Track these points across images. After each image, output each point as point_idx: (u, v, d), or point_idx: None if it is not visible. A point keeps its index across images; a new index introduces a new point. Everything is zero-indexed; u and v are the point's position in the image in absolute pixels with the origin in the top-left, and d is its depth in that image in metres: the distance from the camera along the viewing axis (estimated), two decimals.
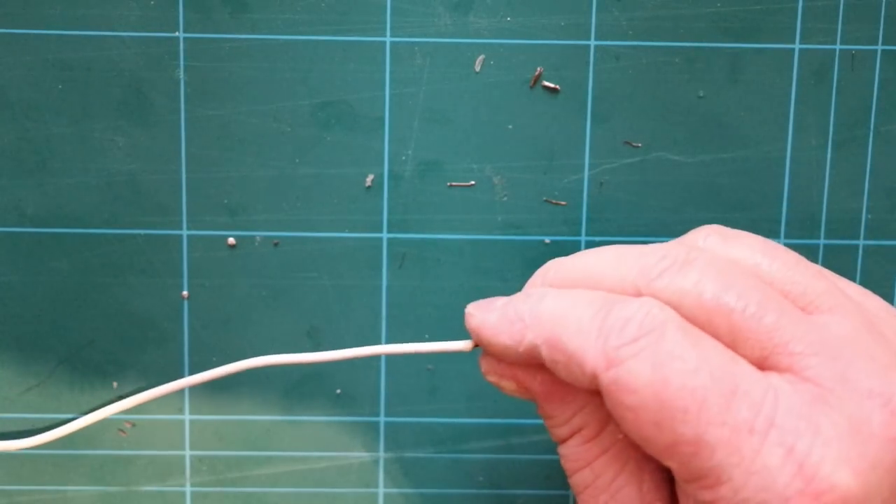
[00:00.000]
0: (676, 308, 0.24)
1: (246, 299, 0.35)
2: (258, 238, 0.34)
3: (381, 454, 0.36)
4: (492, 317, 0.27)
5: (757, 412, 0.23)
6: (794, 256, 0.26)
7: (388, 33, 0.33)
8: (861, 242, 0.35)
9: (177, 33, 0.33)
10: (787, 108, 0.34)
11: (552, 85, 0.34)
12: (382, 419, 0.36)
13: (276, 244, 0.34)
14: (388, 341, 0.35)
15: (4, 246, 0.34)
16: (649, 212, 0.34)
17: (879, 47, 0.34)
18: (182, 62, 0.33)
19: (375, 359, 0.35)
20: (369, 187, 0.34)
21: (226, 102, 0.34)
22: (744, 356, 0.24)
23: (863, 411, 0.23)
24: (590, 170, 0.34)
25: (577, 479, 0.27)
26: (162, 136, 0.34)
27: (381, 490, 0.36)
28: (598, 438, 0.27)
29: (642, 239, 0.34)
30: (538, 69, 0.34)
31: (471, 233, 0.34)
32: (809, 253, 0.35)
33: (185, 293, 0.35)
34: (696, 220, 0.34)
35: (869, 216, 0.35)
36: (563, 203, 0.34)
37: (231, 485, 0.36)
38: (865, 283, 0.35)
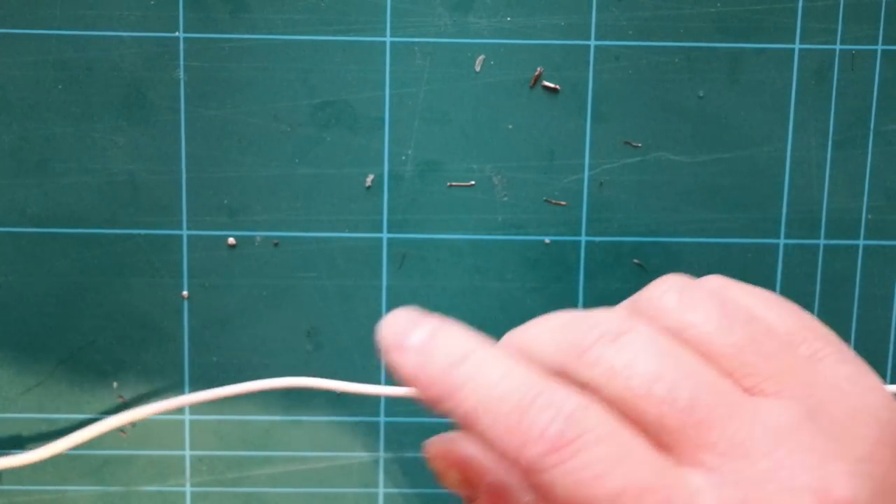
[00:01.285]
0: (603, 388, 0.23)
1: (246, 299, 0.35)
2: (258, 238, 0.34)
3: (381, 454, 0.36)
4: (408, 362, 0.25)
5: None
6: (748, 330, 0.25)
7: (388, 33, 0.33)
8: (861, 242, 0.35)
9: (177, 33, 0.33)
10: (787, 108, 0.34)
11: (552, 85, 0.34)
12: (382, 419, 0.36)
13: (276, 244, 0.34)
14: None
15: (4, 246, 0.34)
16: (649, 212, 0.34)
17: (879, 47, 0.34)
18: (182, 62, 0.33)
19: (376, 357, 0.35)
20: (369, 187, 0.34)
21: (226, 102, 0.34)
22: (668, 448, 0.23)
23: None
24: (590, 170, 0.34)
25: None
26: (162, 136, 0.34)
27: (381, 490, 0.36)
28: None
29: (642, 239, 0.34)
30: (538, 69, 0.34)
31: (471, 233, 0.34)
32: (809, 253, 0.35)
33: (185, 293, 0.35)
34: (696, 220, 0.34)
35: (869, 216, 0.35)
36: (563, 203, 0.34)
37: (231, 485, 0.36)
38: (865, 283, 0.35)
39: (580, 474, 0.22)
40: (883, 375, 0.36)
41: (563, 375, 0.24)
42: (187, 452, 0.36)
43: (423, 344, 0.25)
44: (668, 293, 0.26)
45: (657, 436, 0.23)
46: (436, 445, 0.27)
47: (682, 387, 0.23)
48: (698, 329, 0.25)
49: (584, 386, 0.24)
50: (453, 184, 0.34)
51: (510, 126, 0.34)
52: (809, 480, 0.22)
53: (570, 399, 0.23)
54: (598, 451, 0.23)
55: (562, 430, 0.23)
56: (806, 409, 0.24)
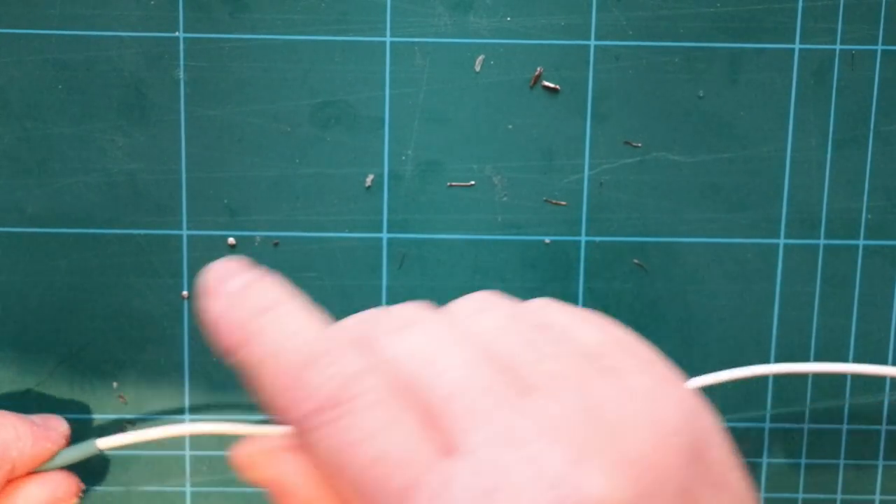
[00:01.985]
0: (385, 370, 0.24)
1: None
2: (258, 238, 0.34)
3: None
4: (215, 307, 0.26)
5: (424, 499, 0.22)
6: (533, 336, 0.25)
7: (388, 33, 0.33)
8: (861, 242, 0.35)
9: (177, 33, 0.33)
10: (787, 108, 0.34)
11: (552, 85, 0.34)
12: None
13: (276, 244, 0.34)
14: None
15: (4, 246, 0.34)
16: (649, 212, 0.34)
17: (879, 47, 0.34)
18: (182, 62, 0.33)
19: None
20: (369, 187, 0.34)
21: (226, 102, 0.34)
22: (433, 435, 0.23)
23: (542, 501, 0.22)
24: (590, 170, 0.34)
25: None
26: (162, 136, 0.34)
27: None
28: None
29: (642, 239, 0.34)
30: (538, 69, 0.34)
31: (471, 233, 0.34)
32: (809, 253, 0.35)
33: (185, 293, 0.35)
34: (696, 219, 0.34)
35: (869, 216, 0.35)
36: (563, 203, 0.34)
37: (231, 485, 0.36)
38: (865, 283, 0.35)
39: (340, 437, 0.23)
40: (882, 375, 0.36)
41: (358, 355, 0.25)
42: (187, 452, 0.36)
43: (236, 292, 0.25)
44: (471, 301, 0.27)
45: (424, 423, 0.24)
46: (241, 457, 0.27)
47: (450, 375, 0.24)
48: (485, 334, 0.25)
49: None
50: (453, 184, 0.34)
51: (510, 126, 0.34)
52: (563, 473, 0.22)
53: (355, 363, 0.24)
54: (364, 417, 0.23)
55: (335, 390, 0.23)
56: (577, 409, 0.24)
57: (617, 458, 0.23)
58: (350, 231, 0.34)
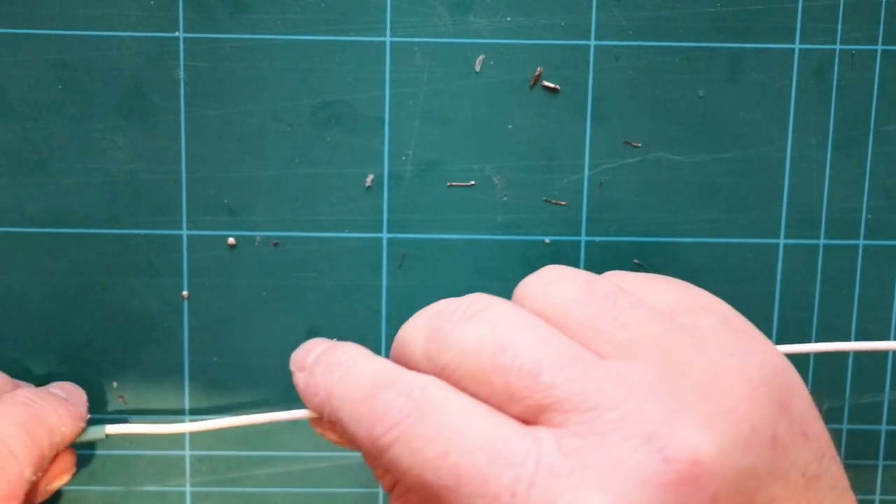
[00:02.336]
0: (458, 369, 0.25)
1: (246, 299, 0.35)
2: (258, 238, 0.34)
3: None
4: (301, 382, 0.28)
5: (517, 475, 0.22)
6: (609, 302, 0.26)
7: (388, 33, 0.33)
8: (861, 242, 0.35)
9: (177, 33, 0.33)
10: (787, 108, 0.34)
11: (552, 85, 0.34)
12: None
13: (276, 244, 0.34)
14: (388, 341, 0.35)
15: (4, 246, 0.34)
16: (649, 212, 0.34)
17: (879, 47, 0.34)
18: (182, 62, 0.33)
19: None
20: (369, 187, 0.34)
21: (226, 102, 0.34)
22: (519, 413, 0.24)
23: (635, 457, 0.22)
24: (590, 170, 0.34)
25: None
26: (162, 136, 0.34)
27: (381, 490, 0.36)
28: (409, 496, 0.28)
29: (642, 239, 0.34)
30: (538, 69, 0.34)
31: (471, 233, 0.34)
32: (809, 253, 0.35)
33: (185, 293, 0.35)
34: (696, 219, 0.34)
35: (869, 216, 0.35)
36: (563, 203, 0.34)
37: (231, 485, 0.36)
38: (865, 284, 0.35)
39: (415, 442, 0.24)
40: (883, 375, 0.36)
41: (429, 363, 0.26)
42: (187, 452, 0.36)
43: (313, 362, 0.28)
44: (538, 279, 0.27)
45: (507, 406, 0.24)
46: (314, 422, 0.29)
47: (528, 354, 0.24)
48: (558, 307, 0.26)
49: (442, 370, 0.25)
50: (453, 184, 0.34)
51: (510, 126, 0.34)
52: (655, 428, 0.22)
53: (414, 380, 0.25)
54: (433, 418, 0.24)
55: (402, 406, 0.24)
56: (662, 368, 0.24)
57: (709, 412, 0.23)
58: (350, 231, 0.34)
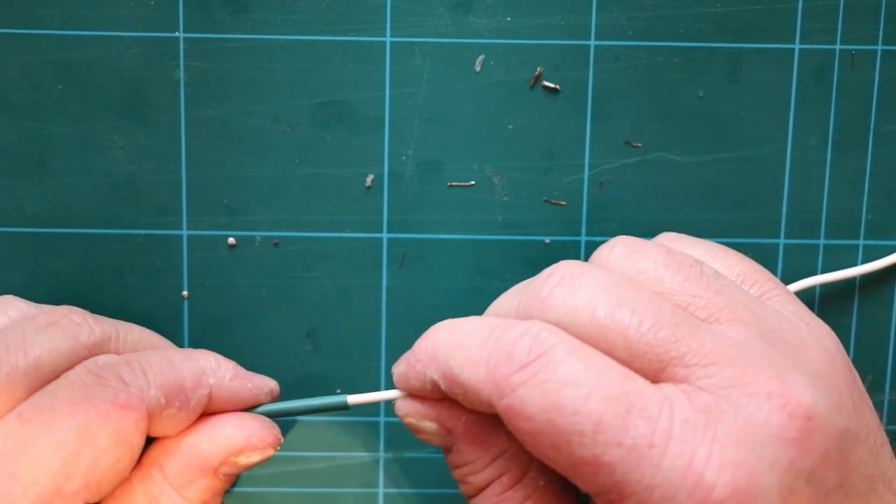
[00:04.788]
0: (570, 326, 0.24)
1: (246, 299, 0.35)
2: (258, 238, 0.34)
3: (381, 454, 0.36)
4: (400, 367, 0.28)
5: (654, 428, 0.23)
6: (696, 270, 0.26)
7: (388, 33, 0.33)
8: (861, 242, 0.35)
9: (177, 33, 0.33)
10: (787, 108, 0.34)
11: (552, 85, 0.34)
12: (382, 419, 0.36)
13: (276, 244, 0.34)
14: (388, 341, 0.35)
15: (4, 246, 0.34)
16: (649, 212, 0.34)
17: (879, 47, 0.34)
18: (182, 62, 0.33)
19: (376, 357, 0.35)
20: (369, 187, 0.34)
21: (226, 102, 0.34)
22: (640, 370, 0.24)
23: (761, 414, 0.23)
24: (590, 170, 0.34)
25: None
26: (162, 136, 0.34)
27: (381, 490, 0.36)
28: (518, 486, 0.27)
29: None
30: (538, 69, 0.34)
31: (471, 233, 0.34)
32: (809, 253, 0.35)
33: (185, 293, 0.35)
34: (696, 219, 0.34)
35: (869, 216, 0.35)
36: (563, 203, 0.34)
37: (231, 485, 0.36)
38: (865, 284, 0.35)
39: (549, 384, 0.23)
40: (883, 375, 0.36)
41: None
42: None
43: (408, 352, 0.28)
44: (616, 248, 0.27)
45: (628, 362, 0.24)
46: (406, 403, 0.28)
47: (645, 310, 0.24)
48: (648, 274, 0.26)
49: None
50: (453, 184, 0.34)
51: (510, 126, 0.34)
52: (772, 388, 0.23)
53: (535, 324, 0.24)
54: (567, 359, 0.24)
55: (530, 346, 0.24)
56: (760, 332, 0.25)
57: (810, 373, 0.24)
58: (350, 231, 0.34)
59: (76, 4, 0.33)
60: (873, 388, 0.36)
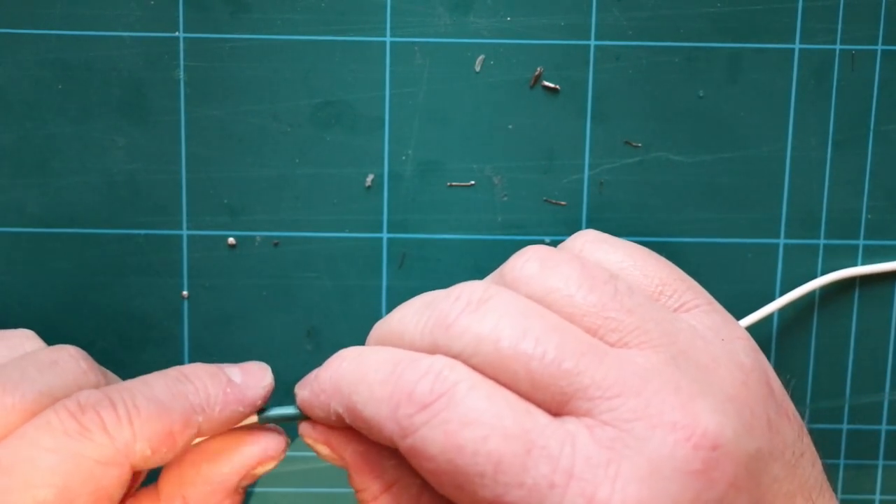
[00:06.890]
0: (473, 356, 0.24)
1: (246, 299, 0.35)
2: (258, 238, 0.34)
3: None
4: (304, 392, 0.27)
5: (555, 467, 0.22)
6: (610, 288, 0.25)
7: (388, 33, 0.33)
8: (861, 242, 0.35)
9: (177, 33, 0.33)
10: (787, 108, 0.34)
11: (552, 85, 0.34)
12: None
13: (276, 244, 0.34)
14: None
15: (4, 246, 0.34)
16: (649, 212, 0.34)
17: (879, 47, 0.34)
18: (182, 62, 0.33)
19: None
20: (369, 187, 0.34)
21: (226, 102, 0.34)
22: (544, 402, 0.23)
23: (665, 447, 0.22)
24: (590, 170, 0.34)
25: None
26: (162, 136, 0.34)
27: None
28: None
29: (642, 239, 0.34)
30: (538, 69, 0.34)
31: (471, 233, 0.34)
32: (809, 253, 0.35)
33: (185, 293, 0.35)
34: (696, 219, 0.34)
35: (869, 216, 0.35)
36: (563, 203, 0.34)
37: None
38: (865, 284, 0.35)
39: (450, 424, 0.23)
40: (883, 375, 0.36)
41: (437, 351, 0.25)
42: None
43: (314, 374, 0.27)
44: (529, 262, 0.27)
45: (530, 394, 0.24)
46: (304, 425, 0.28)
47: (549, 340, 0.24)
48: (560, 293, 0.25)
49: (454, 358, 0.24)
50: (453, 184, 0.34)
51: (510, 126, 0.34)
52: (678, 417, 0.23)
53: (437, 361, 0.24)
54: (468, 400, 0.23)
55: (432, 385, 0.24)
56: (670, 355, 0.24)
57: (719, 398, 0.24)
58: (350, 231, 0.34)
59: (76, 4, 0.33)
60: (873, 388, 0.36)
